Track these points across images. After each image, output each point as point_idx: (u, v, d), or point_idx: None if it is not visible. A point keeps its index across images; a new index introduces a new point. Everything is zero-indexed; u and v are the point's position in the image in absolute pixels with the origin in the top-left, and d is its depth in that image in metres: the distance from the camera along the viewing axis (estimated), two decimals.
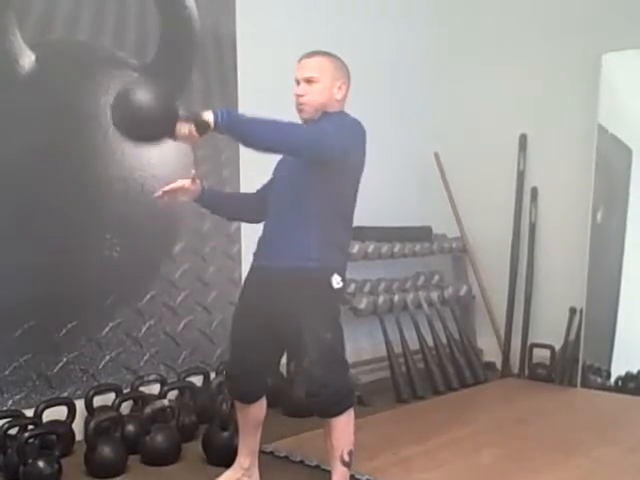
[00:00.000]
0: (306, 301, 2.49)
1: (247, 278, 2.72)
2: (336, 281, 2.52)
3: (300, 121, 2.59)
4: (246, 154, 3.83)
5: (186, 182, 2.66)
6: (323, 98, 2.56)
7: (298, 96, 2.57)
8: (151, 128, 2.25)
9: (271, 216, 2.63)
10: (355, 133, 2.55)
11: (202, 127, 2.23)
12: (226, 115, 2.26)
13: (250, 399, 2.69)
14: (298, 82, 2.58)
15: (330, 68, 2.57)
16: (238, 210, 2.91)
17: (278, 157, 2.68)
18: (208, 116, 2.23)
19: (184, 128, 2.24)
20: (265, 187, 2.77)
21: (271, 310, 2.55)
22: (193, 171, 2.76)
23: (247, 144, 2.37)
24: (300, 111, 2.58)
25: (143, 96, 2.24)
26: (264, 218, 2.67)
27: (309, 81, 2.55)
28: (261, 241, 2.66)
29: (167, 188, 2.66)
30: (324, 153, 2.42)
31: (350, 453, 2.55)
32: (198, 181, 2.69)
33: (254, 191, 2.84)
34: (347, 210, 2.62)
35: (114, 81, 3.38)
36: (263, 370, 2.71)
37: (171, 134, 2.25)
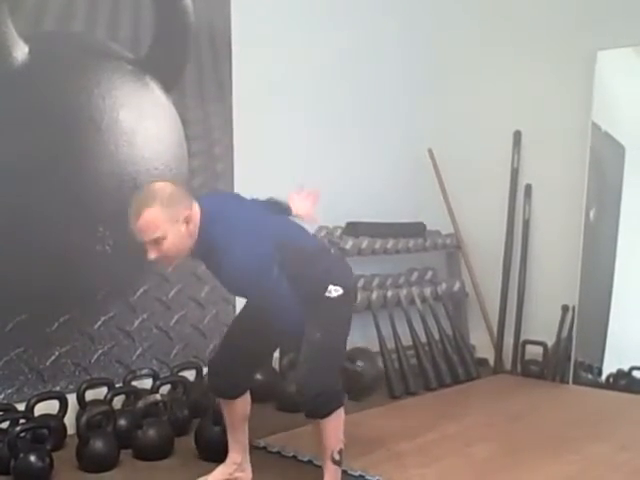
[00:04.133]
0: (307, 307, 2.48)
1: None
2: (335, 290, 2.51)
3: None
4: (240, 149, 3.85)
5: None
6: (178, 244, 2.36)
7: (155, 261, 2.39)
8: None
9: None
10: (256, 263, 2.39)
11: None
12: None
13: (233, 395, 2.68)
14: (146, 246, 2.36)
15: (162, 218, 2.31)
16: None
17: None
18: None
19: None
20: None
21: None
22: None
23: None
24: (166, 266, 2.49)
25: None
26: None
27: (155, 242, 2.33)
28: None
29: None
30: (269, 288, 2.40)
31: (340, 452, 2.54)
32: None
33: None
34: (298, 245, 2.57)
35: (108, 74, 3.37)
36: (250, 368, 2.71)
37: None
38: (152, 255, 2.35)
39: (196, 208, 2.39)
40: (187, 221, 2.34)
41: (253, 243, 2.41)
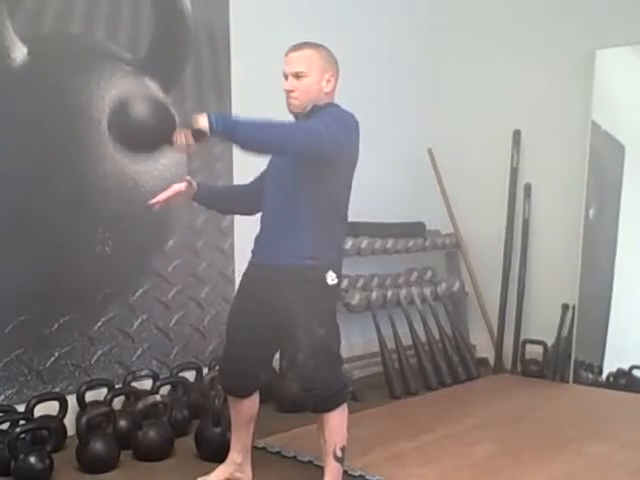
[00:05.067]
0: (301, 297, 2.48)
1: (244, 275, 2.71)
2: (331, 278, 2.52)
3: (290, 116, 2.58)
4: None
5: (181, 186, 2.67)
6: (312, 92, 2.53)
7: (287, 91, 2.55)
8: (150, 137, 2.30)
9: (267, 213, 2.62)
10: (348, 127, 2.52)
11: (198, 135, 2.24)
12: (221, 120, 2.25)
13: (243, 394, 2.69)
14: (286, 77, 2.55)
15: (318, 61, 2.54)
16: (234, 204, 2.91)
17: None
18: (203, 123, 2.22)
19: (181, 137, 2.25)
20: (259, 178, 2.75)
21: (267, 306, 2.55)
22: (188, 177, 2.78)
23: (243, 148, 2.36)
24: (289, 105, 2.56)
25: (140, 107, 2.30)
26: (258, 210, 2.67)
27: (297, 76, 2.52)
28: (258, 238, 2.65)
29: (163, 197, 2.65)
30: (320, 151, 2.41)
31: (343, 449, 2.55)
32: (193, 182, 2.71)
33: (248, 182, 2.84)
34: (342, 205, 2.61)
35: (107, 75, 3.37)
36: (257, 365, 2.71)
37: (169, 143, 2.27)
38: (288, 86, 2.53)
39: (334, 91, 2.59)
40: (327, 83, 2.54)
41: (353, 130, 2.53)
